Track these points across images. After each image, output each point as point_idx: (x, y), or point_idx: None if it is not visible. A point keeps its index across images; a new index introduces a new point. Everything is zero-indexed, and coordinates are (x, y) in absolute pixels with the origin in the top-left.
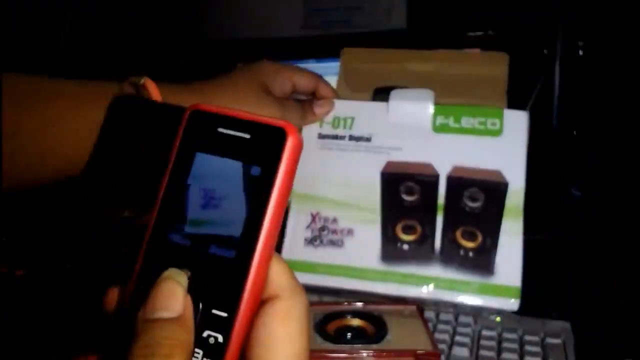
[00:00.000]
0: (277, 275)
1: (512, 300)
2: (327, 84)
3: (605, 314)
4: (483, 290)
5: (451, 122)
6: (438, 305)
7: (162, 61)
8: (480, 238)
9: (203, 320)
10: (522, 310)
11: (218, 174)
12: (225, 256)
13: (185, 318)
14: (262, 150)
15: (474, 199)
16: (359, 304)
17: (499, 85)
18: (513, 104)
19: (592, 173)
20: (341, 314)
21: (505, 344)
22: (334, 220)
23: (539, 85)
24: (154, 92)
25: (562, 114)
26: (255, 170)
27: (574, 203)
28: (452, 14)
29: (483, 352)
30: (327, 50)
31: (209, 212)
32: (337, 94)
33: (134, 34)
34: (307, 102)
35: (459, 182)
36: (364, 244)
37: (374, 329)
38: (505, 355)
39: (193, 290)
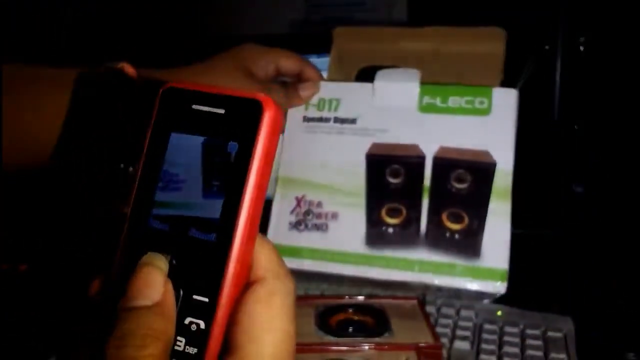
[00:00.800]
0: (262, 258)
1: (499, 283)
2: (312, 66)
3: (606, 308)
4: (469, 273)
5: (438, 101)
6: (424, 289)
7: (167, 58)
8: (466, 220)
9: (184, 307)
10: (524, 304)
11: (195, 154)
12: (206, 239)
13: (164, 305)
14: (238, 126)
15: (460, 180)
16: (361, 298)
17: (496, 62)
18: (510, 85)
19: (593, 169)
20: (342, 308)
21: (507, 338)
22: (319, 204)
23: (530, 62)
24: (131, 74)
25: (563, 109)
26: (233, 147)
27: (576, 198)
28: (452, 7)
29: (484, 346)
30: (328, 45)
31: (187, 194)
32: (322, 76)
33: (138, 30)
34: (292, 84)
35: (446, 163)
36: (348, 227)
37: (376, 323)
38: (506, 348)
39: (173, 276)
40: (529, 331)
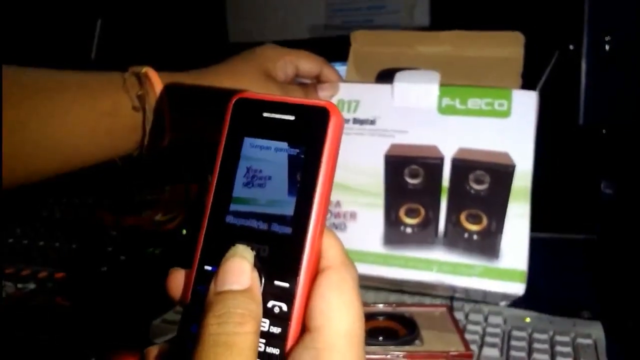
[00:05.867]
0: (329, 248)
1: (518, 284)
2: (331, 67)
3: (637, 313)
4: (487, 274)
5: (457, 103)
6: (442, 289)
7: (192, 65)
8: (485, 221)
9: (267, 292)
10: (553, 310)
11: (267, 156)
12: (282, 232)
13: (254, 290)
14: (308, 130)
15: (479, 182)
16: (390, 306)
17: (514, 66)
18: (531, 86)
19: (623, 170)
20: (372, 316)
21: (536, 345)
22: (337, 204)
23: (552, 63)
24: (155, 80)
25: (589, 111)
26: (303, 150)
27: (606, 202)
28: (475, 10)
29: (514, 353)
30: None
31: (262, 192)
32: (341, 78)
33: (161, 37)
34: (311, 86)
35: (464, 165)
36: (366, 227)
37: (406, 331)
38: (536, 355)
39: (255, 264)
40: (558, 337)
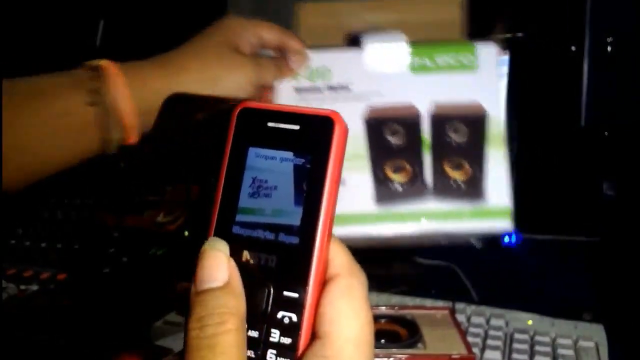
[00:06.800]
0: (337, 256)
1: (505, 221)
2: (294, 36)
3: (639, 316)
4: (476, 215)
5: (427, 61)
6: (436, 238)
7: None
8: (467, 167)
9: (276, 303)
10: (555, 313)
11: (273, 166)
12: (290, 242)
13: (233, 284)
14: (313, 140)
15: (457, 132)
16: (392, 309)
17: (455, 28)
18: None
19: (625, 173)
20: (374, 318)
21: (538, 347)
22: None
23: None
24: (112, 71)
25: (591, 112)
26: (308, 159)
27: (608, 204)
28: (477, 13)
29: (516, 355)
30: None
31: (268, 202)
32: (305, 46)
33: (165, 39)
34: (282, 58)
35: (441, 118)
36: (356, 190)
37: (408, 334)
38: (538, 358)
39: (263, 275)
40: (560, 340)
